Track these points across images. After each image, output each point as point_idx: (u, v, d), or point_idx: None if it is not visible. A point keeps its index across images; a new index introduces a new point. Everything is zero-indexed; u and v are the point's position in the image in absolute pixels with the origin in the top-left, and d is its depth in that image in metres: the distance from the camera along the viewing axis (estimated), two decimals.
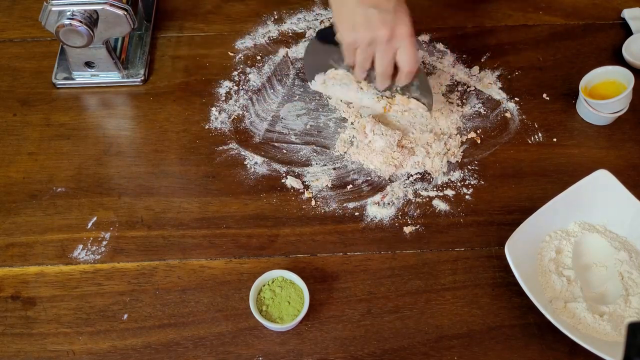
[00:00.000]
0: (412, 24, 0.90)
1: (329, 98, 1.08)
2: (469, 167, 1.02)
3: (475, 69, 1.12)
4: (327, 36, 0.99)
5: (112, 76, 1.10)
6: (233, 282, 0.92)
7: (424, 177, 1.01)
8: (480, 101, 1.09)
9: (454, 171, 1.01)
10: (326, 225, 0.96)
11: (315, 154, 1.03)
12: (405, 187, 1.00)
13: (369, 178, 1.01)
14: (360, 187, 1.00)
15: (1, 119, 1.07)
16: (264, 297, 0.87)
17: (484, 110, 1.08)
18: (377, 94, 1.02)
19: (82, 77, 1.10)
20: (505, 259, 0.86)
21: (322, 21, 1.18)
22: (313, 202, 0.99)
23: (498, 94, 1.10)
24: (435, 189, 0.99)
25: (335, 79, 1.03)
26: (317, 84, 1.05)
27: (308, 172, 1.01)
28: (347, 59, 0.96)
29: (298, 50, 1.15)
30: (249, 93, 1.10)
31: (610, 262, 0.91)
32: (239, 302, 0.90)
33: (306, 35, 1.16)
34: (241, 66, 1.13)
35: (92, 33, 1.00)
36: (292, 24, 1.18)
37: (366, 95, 1.02)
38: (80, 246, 0.95)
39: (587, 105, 1.04)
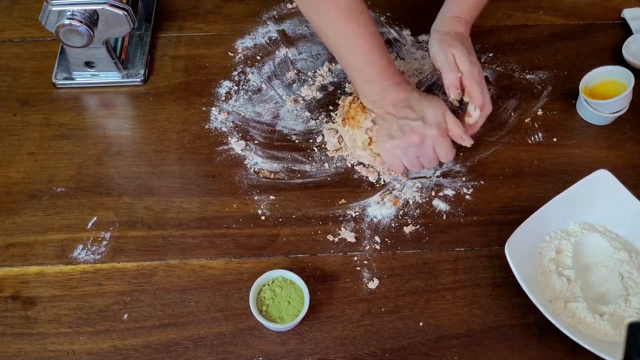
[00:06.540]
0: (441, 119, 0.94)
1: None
2: (469, 167, 1.02)
3: None
4: None
5: (112, 76, 1.10)
6: (233, 282, 0.92)
7: (425, 176, 1.01)
8: None
9: (454, 171, 1.02)
10: (326, 225, 0.96)
11: (315, 154, 1.03)
12: (405, 188, 1.00)
13: (369, 178, 1.01)
14: (360, 187, 1.00)
15: (1, 119, 1.07)
16: (264, 297, 0.87)
17: None
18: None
19: (82, 77, 1.10)
20: (505, 259, 0.86)
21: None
22: (313, 202, 0.98)
23: (498, 94, 1.10)
24: (435, 187, 1.00)
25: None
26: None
27: (308, 172, 1.02)
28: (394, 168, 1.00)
29: (298, 50, 1.15)
30: (249, 93, 1.10)
31: (610, 262, 0.91)
32: (239, 302, 0.90)
33: (306, 36, 1.17)
34: (241, 66, 1.13)
35: (92, 33, 1.00)
36: (292, 24, 1.18)
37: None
38: (80, 246, 0.95)
39: (587, 105, 1.04)
